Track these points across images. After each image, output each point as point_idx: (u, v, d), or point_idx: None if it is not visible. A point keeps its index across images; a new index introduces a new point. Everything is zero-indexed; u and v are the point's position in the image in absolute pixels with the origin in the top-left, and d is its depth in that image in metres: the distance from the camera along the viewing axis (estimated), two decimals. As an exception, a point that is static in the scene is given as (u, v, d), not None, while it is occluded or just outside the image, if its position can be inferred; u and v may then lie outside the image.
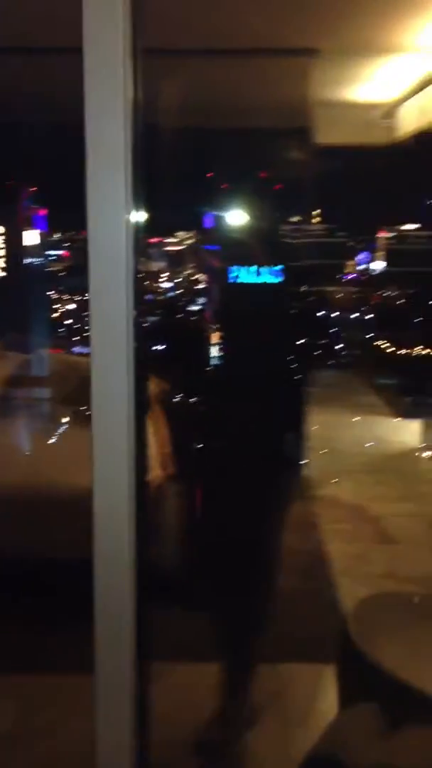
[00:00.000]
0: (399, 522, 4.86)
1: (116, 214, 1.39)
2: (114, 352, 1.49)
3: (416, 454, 6.40)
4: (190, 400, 4.36)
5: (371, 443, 6.52)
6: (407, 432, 6.78)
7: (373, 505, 5.11)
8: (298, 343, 3.09)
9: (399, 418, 7.37)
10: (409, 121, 6.61)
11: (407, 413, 7.45)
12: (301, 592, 3.90)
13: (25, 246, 16.54)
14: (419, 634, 2.28)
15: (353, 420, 7.27)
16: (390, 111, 6.75)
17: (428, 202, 20.15)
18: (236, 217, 3.17)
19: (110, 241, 1.42)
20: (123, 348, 1.47)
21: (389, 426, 7.10)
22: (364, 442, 6.53)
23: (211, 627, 3.07)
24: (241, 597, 2.92)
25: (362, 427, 6.94)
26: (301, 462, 3.20)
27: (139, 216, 1.42)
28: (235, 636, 3.04)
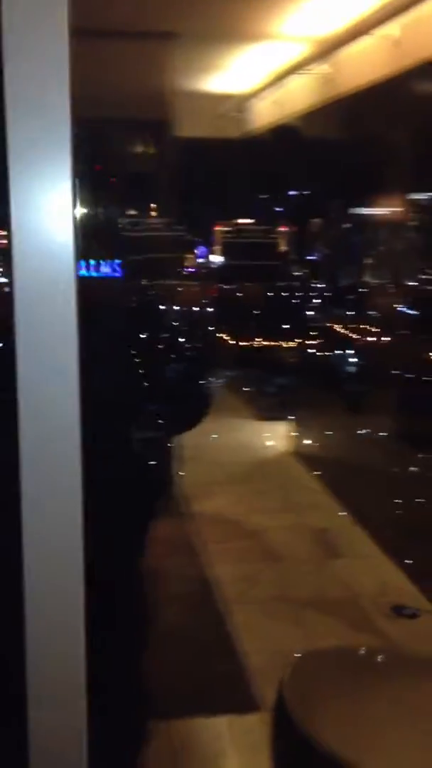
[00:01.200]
0: (282, 536, 4.64)
1: (61, 211, 1.04)
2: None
3: (286, 459, 6.25)
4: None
5: (238, 448, 6.30)
6: (272, 435, 6.63)
7: (253, 518, 4.87)
8: (140, 337, 3.00)
9: (261, 421, 7.20)
10: (262, 114, 6.42)
11: (268, 414, 7.30)
12: (187, 629, 3.56)
13: None
14: (361, 702, 2.00)
15: (213, 423, 7.01)
16: (243, 103, 6.53)
17: (261, 197, 20.45)
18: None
19: (50, 245, 1.10)
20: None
21: (253, 429, 6.92)
22: (231, 448, 6.30)
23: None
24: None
25: (226, 431, 6.69)
26: (164, 470, 2.97)
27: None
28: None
